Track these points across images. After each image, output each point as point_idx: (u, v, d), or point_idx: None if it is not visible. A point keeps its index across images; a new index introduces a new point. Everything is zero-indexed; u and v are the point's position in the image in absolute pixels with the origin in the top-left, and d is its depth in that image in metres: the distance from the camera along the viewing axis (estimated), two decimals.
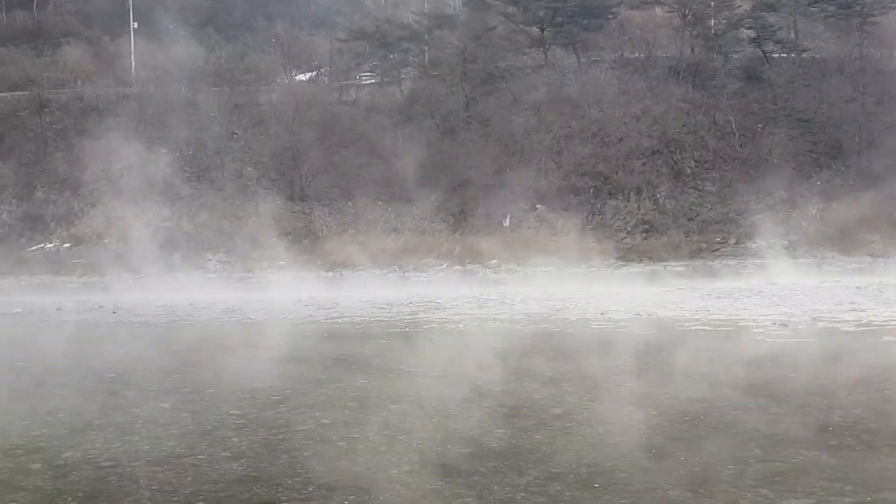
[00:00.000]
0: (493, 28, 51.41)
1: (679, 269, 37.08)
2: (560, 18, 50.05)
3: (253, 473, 7.64)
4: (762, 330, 17.82)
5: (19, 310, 26.71)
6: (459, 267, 40.48)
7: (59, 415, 9.97)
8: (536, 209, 44.69)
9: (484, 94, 50.11)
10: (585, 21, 50.61)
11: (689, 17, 50.08)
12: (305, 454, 8.27)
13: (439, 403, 10.59)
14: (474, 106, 49.81)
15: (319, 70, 56.35)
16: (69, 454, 8.16)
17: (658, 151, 46.45)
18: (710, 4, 51.01)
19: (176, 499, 6.98)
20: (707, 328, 18.56)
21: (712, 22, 51.64)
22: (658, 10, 52.36)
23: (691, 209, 43.43)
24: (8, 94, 52.10)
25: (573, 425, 9.41)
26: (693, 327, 18.75)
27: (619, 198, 44.47)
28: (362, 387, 11.90)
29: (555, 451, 8.34)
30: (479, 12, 52.45)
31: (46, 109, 50.92)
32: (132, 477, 7.46)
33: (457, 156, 46.89)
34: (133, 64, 54.34)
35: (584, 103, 48.37)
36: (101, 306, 27.12)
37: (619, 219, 43.89)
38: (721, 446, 8.33)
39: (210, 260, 43.53)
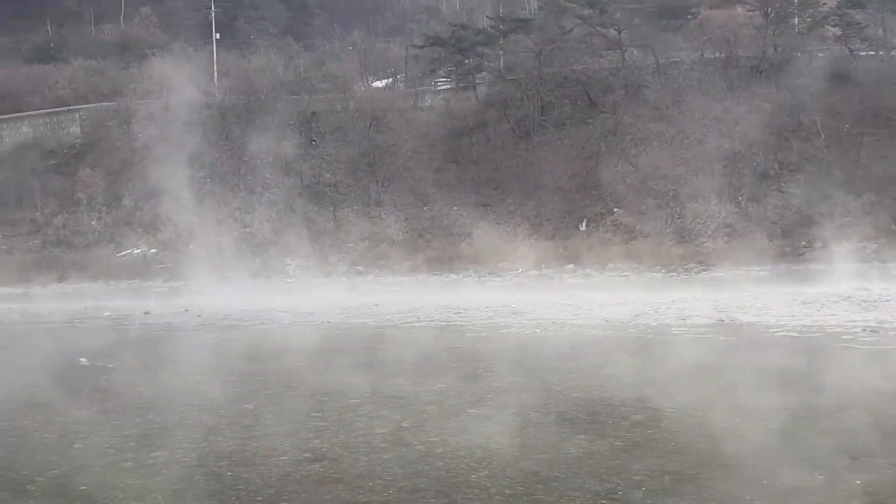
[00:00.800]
0: (569, 31, 50.97)
1: (762, 273, 36.11)
2: (637, 20, 49.37)
3: (334, 475, 7.76)
4: (851, 336, 17.29)
5: (109, 314, 27.57)
6: (535, 272, 40.20)
7: (149, 415, 10.29)
8: (613, 213, 44.12)
9: (560, 98, 49.73)
10: (664, 22, 49.83)
11: (772, 15, 48.83)
12: (385, 457, 8.36)
13: (517, 408, 10.57)
14: (550, 110, 49.46)
15: (395, 77, 56.73)
16: (158, 454, 8.41)
17: (740, 153, 45.40)
18: (793, 2, 49.66)
19: (260, 499, 7.14)
20: (793, 334, 18.09)
21: (796, 20, 50.25)
22: (739, 8, 51.19)
23: (775, 212, 42.33)
24: (97, 105, 53.79)
25: (654, 432, 9.29)
26: (778, 333, 18.30)
27: (700, 201, 43.57)
28: (440, 391, 11.95)
29: (635, 457, 8.24)
30: (554, 15, 52.07)
31: (133, 119, 52.40)
32: (218, 477, 7.66)
33: (532, 160, 46.62)
34: (215, 74, 55.59)
35: (662, 105, 47.60)
36: (186, 310, 27.80)
37: (699, 222, 43.02)
38: (812, 455, 8.13)
39: (289, 265, 44.18)
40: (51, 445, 8.73)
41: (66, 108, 54.73)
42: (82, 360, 15.04)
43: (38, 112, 54.98)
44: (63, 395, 11.70)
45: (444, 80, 54.66)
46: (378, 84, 55.77)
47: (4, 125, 54.55)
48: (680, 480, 7.44)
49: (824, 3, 48.41)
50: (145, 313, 27.02)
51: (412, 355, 15.73)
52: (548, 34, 50.44)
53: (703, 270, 38.92)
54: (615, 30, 50.12)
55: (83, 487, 7.32)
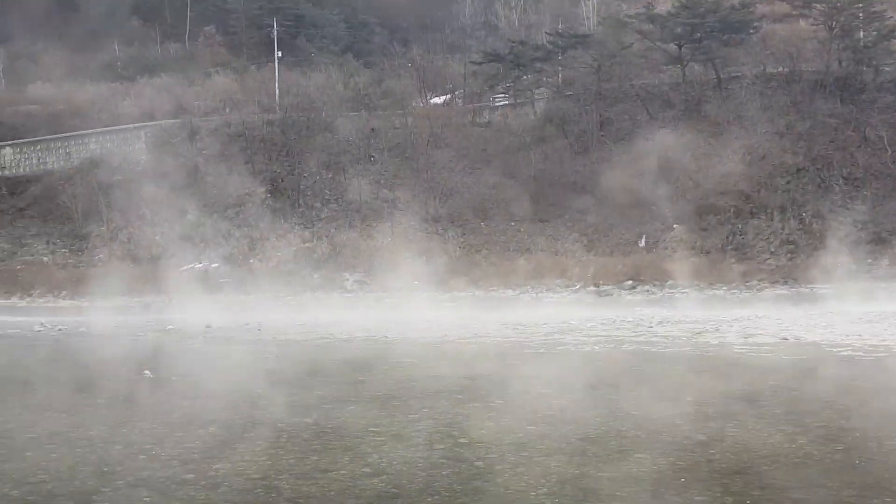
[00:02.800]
0: (629, 46, 50.74)
1: (826, 291, 35.34)
2: (698, 34, 48.91)
3: (393, 490, 7.77)
4: None
5: (172, 327, 28.08)
6: (593, 288, 39.95)
7: (211, 428, 10.43)
8: (674, 229, 43.67)
9: (619, 113, 49.51)
10: (725, 36, 49.27)
11: (837, 29, 47.97)
12: (444, 473, 8.34)
13: (576, 426, 10.49)
14: (609, 125, 49.26)
15: (454, 93, 57.07)
16: (220, 466, 8.52)
17: (804, 169, 44.61)
18: (858, 16, 48.73)
19: None
20: (860, 353, 17.64)
21: (861, 34, 49.30)
22: (803, 22, 50.38)
23: (840, 228, 41.43)
24: (162, 122, 55.07)
25: (717, 453, 9.13)
26: (844, 352, 17.86)
27: (762, 217, 42.90)
28: (498, 407, 11.91)
29: (698, 479, 8.11)
30: (614, 30, 51.90)
31: (197, 136, 53.53)
32: (279, 490, 7.72)
33: (590, 175, 46.40)
34: (277, 91, 56.52)
35: (723, 120, 47.06)
36: (246, 324, 28.18)
37: (761, 239, 42.34)
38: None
39: (347, 280, 44.57)
40: (115, 456, 8.90)
41: (132, 126, 56.09)
42: (146, 372, 15.33)
43: (106, 129, 56.43)
44: (127, 407, 11.94)
45: (503, 95, 54.78)
46: (436, 100, 56.08)
47: (73, 142, 56.09)
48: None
49: (891, 17, 47.41)
50: (207, 327, 27.43)
51: (469, 372, 15.70)
52: (607, 49, 50.25)
53: (766, 288, 38.24)
54: (675, 44, 49.71)
55: (147, 499, 7.44)
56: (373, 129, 51.78)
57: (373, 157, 51.43)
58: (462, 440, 9.77)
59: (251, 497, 7.55)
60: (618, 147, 47.33)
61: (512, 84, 53.94)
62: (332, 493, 7.68)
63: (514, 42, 54.54)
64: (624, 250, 42.71)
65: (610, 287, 39.17)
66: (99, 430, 10.28)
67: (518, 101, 53.40)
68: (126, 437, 9.78)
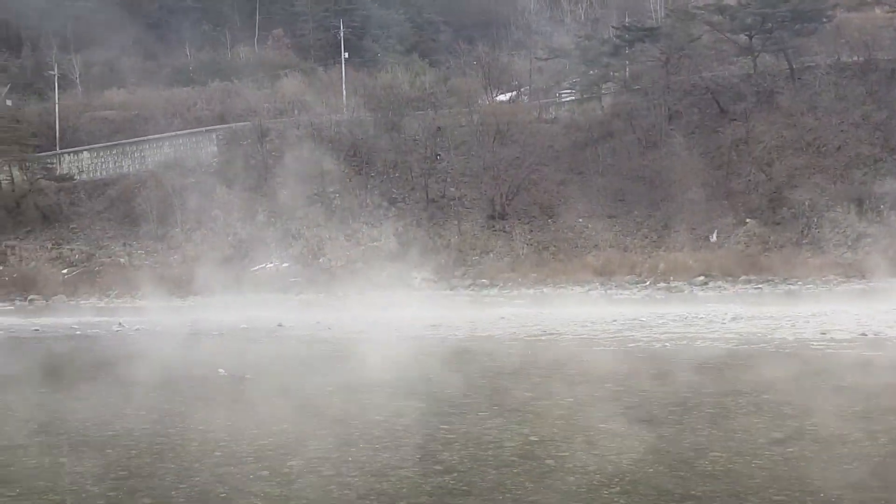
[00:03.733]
0: (698, 38, 49.89)
1: None
2: (770, 24, 47.79)
3: (464, 487, 7.77)
4: None
5: (245, 326, 28.56)
6: (664, 284, 39.36)
7: (284, 425, 10.58)
8: (746, 223, 42.79)
9: (688, 107, 48.72)
10: (797, 26, 48.05)
11: None
12: (514, 470, 8.32)
13: (649, 425, 10.35)
14: (678, 119, 48.50)
15: (519, 90, 56.86)
16: (294, 463, 8.64)
17: (881, 160, 43.28)
18: None
19: None
20: None
21: None
22: (878, 10, 48.90)
23: None
24: (233, 125, 56.11)
25: (795, 450, 8.91)
26: None
27: (838, 210, 41.73)
28: (569, 405, 11.83)
29: (777, 476, 7.93)
30: (682, 23, 51.06)
31: (266, 137, 54.38)
32: (352, 487, 7.79)
33: (659, 170, 45.77)
34: (344, 92, 57.08)
35: (797, 111, 45.93)
36: (317, 322, 28.51)
37: (837, 232, 41.20)
38: None
39: (415, 278, 44.76)
40: (192, 453, 9.09)
41: (204, 129, 57.27)
42: (220, 370, 15.62)
43: (179, 132, 57.73)
44: (203, 405, 12.18)
45: (569, 91, 54.38)
46: (502, 97, 55.97)
47: (147, 146, 57.49)
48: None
49: None
50: (278, 325, 27.85)
51: (539, 369, 15.64)
52: (675, 42, 49.47)
53: (842, 282, 37.18)
54: (746, 35, 48.68)
55: (223, 495, 7.58)
56: (439, 128, 51.90)
57: (439, 155, 51.56)
58: (532, 438, 9.73)
59: (324, 494, 7.63)
60: (687, 141, 46.57)
61: (578, 79, 53.51)
62: (404, 490, 7.72)
63: (580, 37, 54.08)
64: (695, 245, 42.00)
65: (681, 283, 38.54)
66: (176, 427, 10.51)
67: (585, 96, 52.95)
68: (202, 434, 9.98)
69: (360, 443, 9.54)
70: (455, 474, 8.20)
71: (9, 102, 60.69)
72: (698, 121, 47.96)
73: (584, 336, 21.86)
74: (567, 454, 8.92)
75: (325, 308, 36.31)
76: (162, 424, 10.68)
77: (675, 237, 42.69)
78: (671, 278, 39.25)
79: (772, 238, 41.28)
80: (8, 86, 62.51)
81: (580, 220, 45.60)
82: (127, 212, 53.28)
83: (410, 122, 52.14)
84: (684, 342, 19.68)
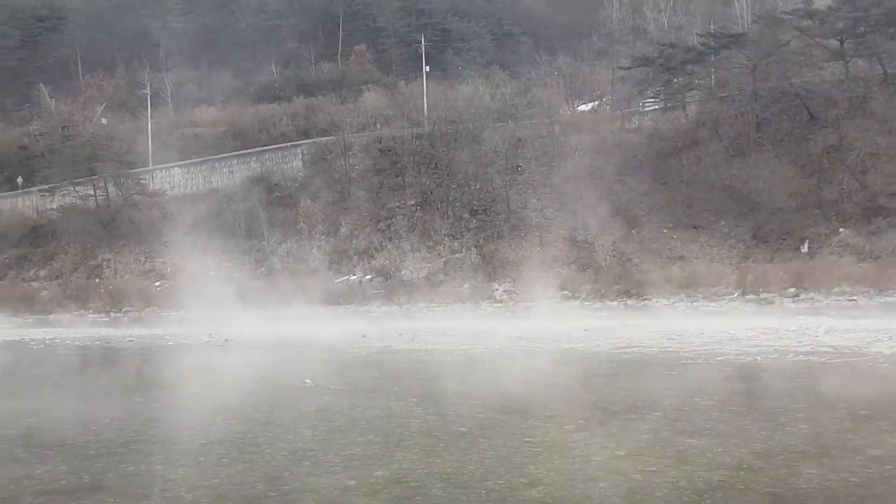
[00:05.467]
0: (786, 44, 48.62)
1: None
2: (862, 28, 46.29)
3: (550, 501, 7.71)
4: None
5: (330, 337, 28.92)
6: (752, 296, 38.38)
7: (370, 435, 10.68)
8: (839, 233, 41.43)
9: (777, 114, 47.50)
10: (892, 29, 46.40)
11: None
12: (601, 485, 8.22)
13: (739, 440, 10.10)
14: (766, 126, 47.33)
15: (601, 99, 56.45)
16: (380, 472, 8.70)
17: None
18: None
19: None
20: None
21: None
22: None
23: None
24: (317, 140, 57.09)
25: (893, 468, 8.57)
26: None
27: None
28: (655, 419, 11.63)
29: (872, 494, 7.64)
30: (770, 28, 49.84)
31: (349, 152, 55.16)
32: (437, 498, 7.80)
33: (747, 179, 44.70)
34: (425, 105, 57.53)
35: (891, 117, 44.31)
36: (400, 334, 28.71)
37: None
38: None
39: (496, 290, 44.70)
40: (281, 462, 9.24)
41: (289, 144, 58.43)
42: (307, 381, 15.85)
43: (265, 148, 59.02)
44: (291, 415, 12.38)
45: (652, 100, 53.67)
46: (584, 108, 55.64)
47: (235, 161, 58.93)
48: None
49: None
50: (362, 336, 28.14)
51: (626, 382, 15.42)
52: (763, 48, 48.36)
53: None
54: (837, 40, 47.27)
55: None
56: (519, 139, 51.81)
57: (520, 166, 51.46)
58: (619, 452, 9.59)
59: None
60: (776, 149, 45.44)
61: (662, 88, 52.75)
62: (490, 502, 7.70)
63: (663, 45, 53.36)
64: (785, 256, 40.89)
65: (771, 295, 37.55)
66: (266, 436, 10.70)
67: (669, 104, 52.18)
68: (291, 444, 10.14)
69: (444, 454, 9.55)
70: (541, 487, 8.14)
71: (104, 121, 63.04)
72: (787, 128, 46.73)
73: (670, 349, 21.47)
74: (655, 469, 8.76)
75: (406, 320, 36.59)
76: (252, 434, 10.88)
77: (764, 248, 41.64)
78: (760, 290, 38.28)
79: (867, 248, 39.88)
80: (104, 105, 64.97)
81: (664, 230, 44.90)
82: (216, 226, 54.65)
83: (491, 133, 52.18)
84: (775, 356, 19.15)
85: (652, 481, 8.29)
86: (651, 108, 53.52)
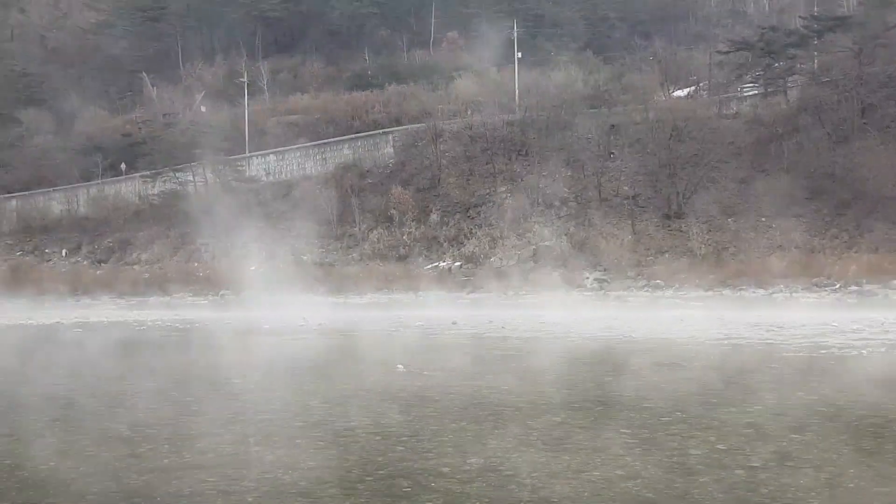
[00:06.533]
0: (894, 26, 46.60)
1: None
2: None
3: (648, 495, 7.52)
4: None
5: (420, 323, 29.12)
6: (856, 287, 36.95)
7: (462, 422, 10.65)
8: None
9: (883, 99, 45.55)
10: None
11: None
12: (702, 479, 7.98)
13: (848, 435, 9.69)
14: (872, 112, 45.46)
15: (698, 84, 55.05)
16: (473, 460, 8.64)
17: None
18: None
19: None
20: None
21: None
22: None
23: None
24: (408, 127, 57.41)
25: None
26: None
27: None
28: (757, 412, 11.26)
29: None
30: (877, 10, 47.81)
31: (440, 139, 55.27)
32: (531, 488, 7.70)
33: (851, 166, 43.01)
34: (517, 91, 57.17)
35: None
36: (490, 321, 28.69)
37: None
38: None
39: (587, 278, 44.21)
40: (376, 447, 9.28)
41: (381, 131, 58.88)
42: (399, 366, 15.93)
43: (357, 135, 59.61)
44: (384, 400, 12.44)
45: (751, 85, 52.12)
46: (679, 93, 54.38)
47: (328, 148, 59.70)
48: None
49: None
50: (453, 323, 28.20)
51: (723, 374, 15.00)
52: (869, 31, 46.43)
53: None
54: None
55: (406, 489, 7.68)
56: (613, 126, 51.03)
57: (613, 153, 50.70)
58: (719, 446, 9.31)
59: (504, 493, 7.58)
60: (883, 135, 43.60)
61: (762, 72, 51.17)
62: (586, 494, 7.56)
63: (764, 28, 51.74)
64: (891, 247, 39.20)
65: (875, 286, 36.09)
66: (360, 420, 10.78)
67: (769, 90, 50.58)
68: (384, 429, 10.18)
69: (538, 444, 9.44)
70: (639, 480, 7.96)
71: (203, 109, 64.67)
72: (894, 114, 44.80)
73: (770, 341, 20.85)
74: (758, 465, 8.47)
75: (496, 307, 36.53)
76: (346, 418, 10.97)
77: (869, 238, 40.04)
78: (864, 281, 36.83)
79: None
80: (203, 93, 66.66)
81: (763, 219, 43.61)
82: (309, 211, 55.52)
83: (583, 120, 51.55)
84: (882, 349, 18.38)
85: (756, 477, 8.02)
86: (750, 94, 51.97)
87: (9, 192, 64.04)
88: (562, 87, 54.31)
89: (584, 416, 11.05)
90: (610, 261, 44.53)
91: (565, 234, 47.58)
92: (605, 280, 43.57)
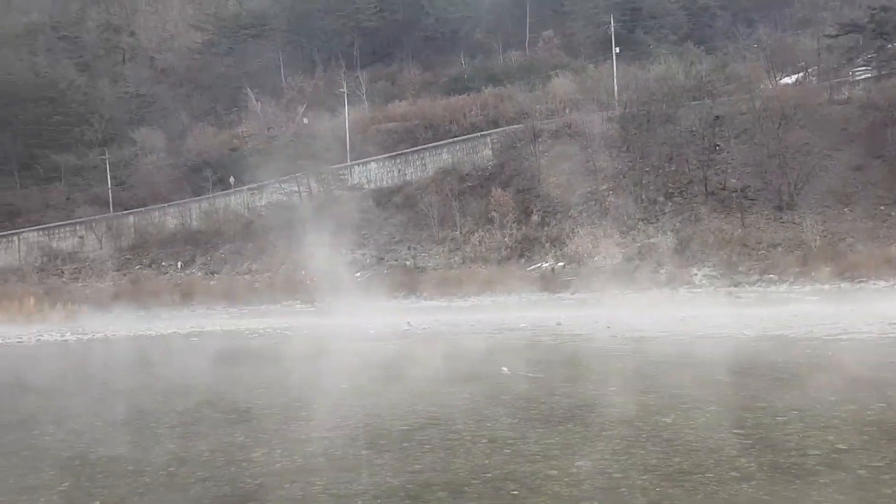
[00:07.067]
0: None
1: None
2: None
3: (765, 497, 7.26)
4: None
5: (524, 325, 28.99)
6: None
7: (569, 424, 10.52)
8: None
9: None
10: None
11: None
12: (821, 481, 7.67)
13: None
14: None
15: (806, 70, 53.20)
16: (581, 463, 8.52)
17: None
18: None
19: None
20: None
21: None
22: None
23: None
24: (506, 128, 57.38)
25: None
26: None
27: None
28: (880, 410, 10.75)
29: None
30: None
31: (539, 139, 55.02)
32: (643, 490, 7.54)
33: None
34: (615, 87, 56.40)
35: None
36: (595, 322, 28.31)
37: None
38: None
39: (695, 275, 43.20)
40: (482, 450, 9.25)
41: (479, 134, 59.05)
42: (504, 369, 15.87)
43: (455, 139, 59.95)
44: (489, 403, 12.41)
45: (864, 68, 50.09)
46: (787, 80, 52.68)
47: (427, 153, 60.23)
48: None
49: None
50: (557, 324, 27.97)
51: (840, 370, 14.40)
52: None
53: None
54: None
55: (514, 492, 7.62)
56: (717, 117, 49.78)
57: (718, 145, 49.46)
58: (840, 446, 8.92)
59: (614, 496, 7.44)
60: None
61: (875, 55, 49.09)
62: (700, 496, 7.35)
63: (874, 9, 49.60)
64: None
65: None
66: (465, 423, 10.77)
67: (882, 72, 48.49)
68: (491, 432, 10.15)
69: (648, 445, 9.23)
70: (754, 482, 7.69)
71: (305, 120, 66.22)
72: None
73: (893, 335, 19.90)
74: (881, 464, 8.08)
75: (601, 307, 36.04)
76: (452, 421, 10.98)
77: None
78: None
79: None
80: (304, 105, 68.23)
81: (881, 207, 41.79)
82: (411, 217, 56.11)
83: (686, 113, 50.47)
84: None
85: (878, 478, 7.65)
86: (863, 77, 49.94)
87: (126, 209, 66.97)
88: (662, 80, 53.31)
89: (695, 418, 10.76)
90: (719, 256, 43.42)
91: (671, 231, 46.66)
92: (714, 276, 42.51)
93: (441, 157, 59.16)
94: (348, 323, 33.96)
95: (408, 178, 59.80)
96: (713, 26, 67.18)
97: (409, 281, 49.31)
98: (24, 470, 9.09)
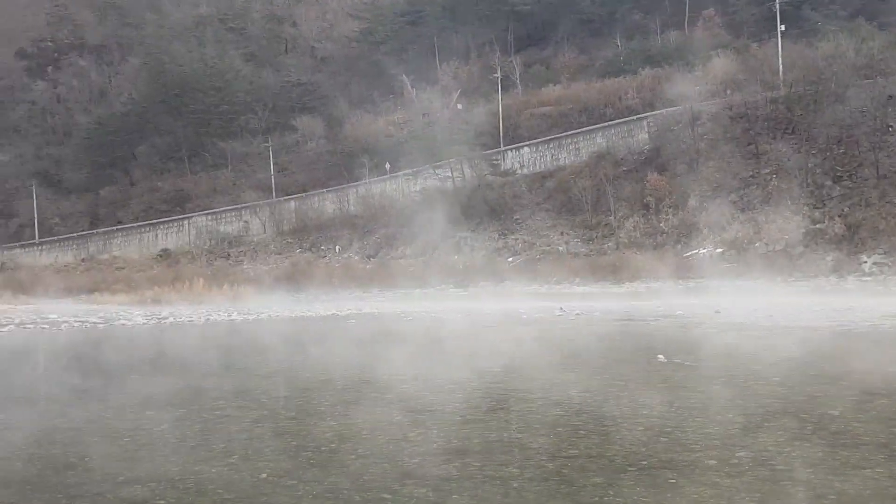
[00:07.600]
0: None
1: None
2: None
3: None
4: None
5: (680, 312, 28.34)
6: None
7: (729, 414, 10.26)
8: None
9: None
10: None
11: None
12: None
13: None
14: None
15: None
16: (742, 454, 8.32)
17: None
18: None
19: None
20: None
21: None
22: None
23: None
24: (662, 111, 55.97)
25: None
26: None
27: None
28: None
29: None
30: None
31: (698, 121, 53.38)
32: (804, 483, 7.30)
33: None
34: (780, 66, 53.96)
35: None
36: (755, 310, 27.27)
37: None
38: None
39: (865, 262, 40.95)
40: (639, 438, 9.15)
41: (634, 117, 57.92)
42: (660, 356, 15.63)
43: (610, 123, 59.05)
44: (645, 390, 12.26)
45: None
46: None
47: (581, 138, 59.60)
48: None
49: None
50: (715, 312, 27.21)
51: None
52: None
53: None
54: None
55: (671, 480, 7.52)
56: (890, 97, 46.89)
57: (891, 126, 46.61)
58: None
59: (778, 488, 7.24)
60: None
61: None
62: (868, 492, 7.05)
63: None
64: None
65: None
66: (620, 410, 10.70)
67: None
68: (647, 419, 10.03)
69: (813, 437, 8.90)
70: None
71: (459, 106, 66.86)
72: None
73: None
74: None
75: (763, 294, 34.79)
76: (606, 407, 10.94)
77: None
78: None
79: None
80: (459, 91, 68.88)
81: None
82: (564, 202, 55.79)
83: (857, 92, 47.74)
84: None
85: None
86: None
87: (287, 195, 69.79)
88: (831, 58, 50.58)
89: (864, 409, 10.27)
90: (891, 243, 40.97)
91: (839, 215, 44.41)
92: (885, 264, 40.19)
93: (595, 142, 58.44)
94: (501, 307, 34.20)
95: (561, 162, 59.44)
96: (887, 1, 63.07)
97: (561, 266, 49.09)
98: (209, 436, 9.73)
